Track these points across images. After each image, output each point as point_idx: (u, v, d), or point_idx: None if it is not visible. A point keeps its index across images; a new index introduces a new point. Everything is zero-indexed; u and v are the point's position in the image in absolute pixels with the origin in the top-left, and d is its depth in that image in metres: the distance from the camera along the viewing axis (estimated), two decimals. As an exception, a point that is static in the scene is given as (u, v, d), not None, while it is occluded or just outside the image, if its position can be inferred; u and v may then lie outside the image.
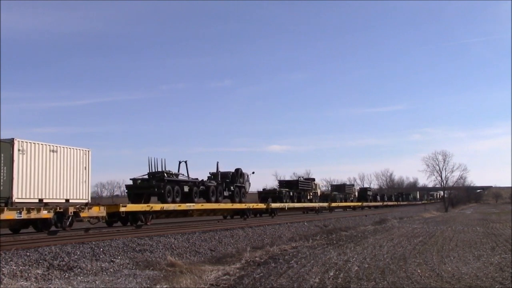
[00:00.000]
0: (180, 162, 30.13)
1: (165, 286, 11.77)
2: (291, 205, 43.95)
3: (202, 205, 29.61)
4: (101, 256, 14.66)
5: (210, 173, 32.69)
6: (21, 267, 12.08)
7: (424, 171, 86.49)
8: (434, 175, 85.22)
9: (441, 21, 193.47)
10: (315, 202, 50.90)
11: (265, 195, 42.13)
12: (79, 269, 12.97)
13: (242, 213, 35.40)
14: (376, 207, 77.97)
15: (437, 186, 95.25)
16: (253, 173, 37.34)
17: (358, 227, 33.69)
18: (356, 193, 70.74)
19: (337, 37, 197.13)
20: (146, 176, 26.88)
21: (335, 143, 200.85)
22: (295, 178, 63.85)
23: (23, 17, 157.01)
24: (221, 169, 34.61)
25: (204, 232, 21.96)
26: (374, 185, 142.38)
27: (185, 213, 29.31)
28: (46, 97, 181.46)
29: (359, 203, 69.12)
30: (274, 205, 39.91)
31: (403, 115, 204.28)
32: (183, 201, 27.86)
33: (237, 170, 34.82)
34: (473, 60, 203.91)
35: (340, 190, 64.33)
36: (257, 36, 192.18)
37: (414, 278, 12.52)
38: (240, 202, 34.38)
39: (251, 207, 36.05)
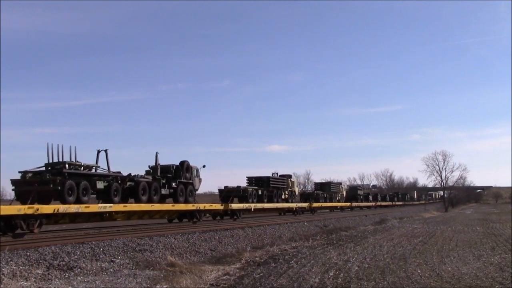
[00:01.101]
0: (99, 152, 23.24)
1: (165, 286, 11.77)
2: (259, 205, 36.79)
3: (125, 206, 22.40)
4: (101, 256, 14.65)
5: (149, 166, 26.60)
6: (21, 267, 12.08)
7: (424, 171, 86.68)
8: (434, 175, 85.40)
9: (440, 21, 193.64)
10: (292, 201, 44.52)
11: (227, 194, 35.41)
12: (79, 269, 12.97)
13: (191, 215, 29.17)
14: (368, 207, 73.79)
15: (437, 186, 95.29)
16: (203, 166, 31.04)
17: (358, 227, 33.70)
18: (344, 192, 64.65)
19: (337, 37, 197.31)
20: (44, 169, 19.98)
21: (335, 143, 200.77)
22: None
23: (23, 17, 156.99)
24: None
25: (204, 232, 21.96)
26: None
27: (101, 216, 22.24)
28: (46, 97, 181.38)
29: (347, 204, 63.66)
30: (235, 205, 33.84)
31: (402, 115, 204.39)
32: (101, 200, 21.85)
33: (183, 163, 28.21)
34: (472, 60, 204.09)
35: (324, 189, 56.87)
36: (257, 36, 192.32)
37: (414, 278, 12.51)
38: (186, 202, 27.87)
39: (201, 208, 29.49)
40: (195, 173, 29.62)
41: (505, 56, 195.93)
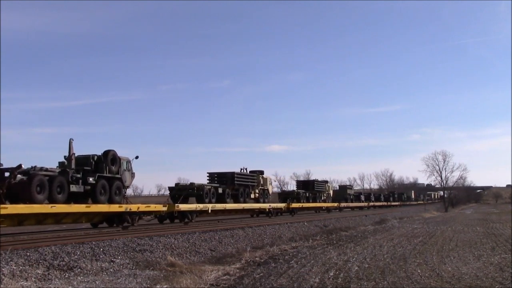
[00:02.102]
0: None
1: (165, 286, 11.77)
2: (219, 206, 31.71)
3: (4, 208, 16.28)
4: (101, 256, 14.65)
5: (64, 157, 21.23)
6: (21, 267, 12.08)
7: (424, 171, 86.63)
8: (434, 175, 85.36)
9: (440, 22, 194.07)
10: (265, 201, 38.89)
11: (177, 193, 30.29)
12: (79, 269, 12.96)
13: (120, 219, 23.51)
14: (360, 208, 69.48)
15: (437, 186, 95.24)
16: (136, 157, 24.72)
17: (358, 227, 33.70)
18: (331, 192, 59.46)
19: (337, 37, 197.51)
20: None
21: (335, 143, 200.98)
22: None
23: (23, 17, 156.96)
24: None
25: (204, 232, 21.95)
26: (374, 185, 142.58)
27: None
28: (46, 97, 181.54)
29: (334, 204, 58.34)
30: (184, 206, 28.36)
31: (402, 115, 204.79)
32: None
33: (107, 152, 22.34)
34: (472, 60, 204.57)
35: (307, 188, 51.36)
36: (257, 36, 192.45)
37: (414, 278, 12.51)
38: (111, 201, 22.01)
39: (133, 209, 23.42)
40: (125, 166, 23.73)
41: (505, 56, 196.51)
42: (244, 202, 35.13)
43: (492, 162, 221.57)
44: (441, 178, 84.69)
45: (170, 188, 32.00)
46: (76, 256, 13.97)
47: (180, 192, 30.29)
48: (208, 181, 33.47)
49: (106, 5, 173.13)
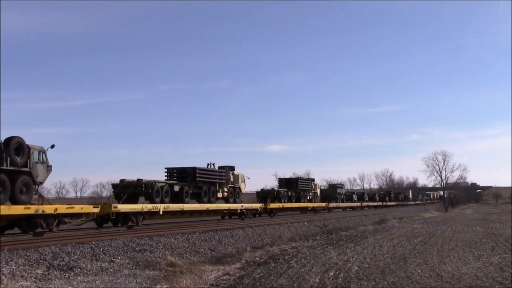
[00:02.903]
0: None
1: (165, 286, 11.77)
2: (174, 206, 26.43)
3: None
4: (101, 256, 14.65)
5: None
6: (21, 267, 12.08)
7: (424, 171, 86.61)
8: (434, 175, 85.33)
9: (440, 22, 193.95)
10: (236, 201, 33.71)
11: (120, 191, 25.18)
12: (79, 269, 12.97)
13: (28, 223, 18.35)
14: (353, 208, 65.54)
15: (437, 186, 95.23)
16: (52, 146, 20.58)
17: (358, 227, 33.72)
18: (318, 191, 53.78)
19: (336, 37, 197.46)
20: None
21: (335, 143, 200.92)
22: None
23: (23, 17, 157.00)
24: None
25: (204, 232, 21.96)
26: (374, 185, 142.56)
27: None
28: (46, 97, 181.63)
29: (322, 204, 53.46)
30: (124, 206, 23.02)
31: (402, 115, 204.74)
32: None
33: (9, 140, 17.89)
34: (472, 60, 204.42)
35: (290, 186, 45.89)
36: (256, 36, 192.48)
37: (414, 278, 12.51)
38: (15, 201, 17.53)
39: (42, 211, 17.98)
40: (36, 157, 19.78)
41: (505, 56, 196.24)
42: (209, 202, 30.12)
43: (492, 162, 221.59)
44: (441, 178, 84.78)
45: (113, 186, 26.89)
46: (76, 256, 13.97)
47: (124, 190, 25.08)
48: (166, 177, 28.85)
49: (106, 5, 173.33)
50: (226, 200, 32.97)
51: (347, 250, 18.90)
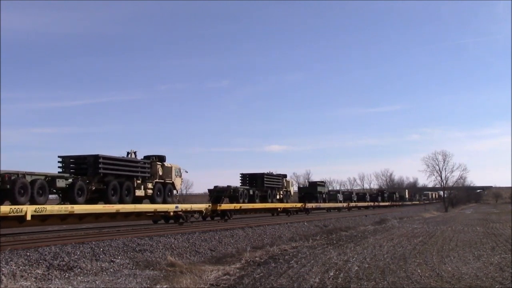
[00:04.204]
0: None
1: (165, 286, 11.77)
2: (79, 208, 19.41)
3: None
4: (101, 256, 14.65)
5: None
6: (21, 267, 12.08)
7: (424, 171, 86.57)
8: (434, 175, 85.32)
9: (439, 22, 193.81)
10: (167, 201, 26.47)
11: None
12: (79, 269, 12.97)
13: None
14: (338, 209, 59.28)
15: (437, 186, 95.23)
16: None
17: (358, 227, 33.73)
18: (292, 189, 46.70)
19: (336, 37, 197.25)
20: None
21: (335, 143, 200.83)
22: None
23: (23, 17, 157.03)
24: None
25: (204, 232, 21.96)
26: (374, 185, 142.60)
27: None
28: (46, 97, 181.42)
29: (298, 205, 47.42)
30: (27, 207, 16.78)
31: (401, 115, 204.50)
32: None
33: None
34: (471, 60, 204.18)
35: (254, 183, 38.41)
36: (256, 36, 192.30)
37: (414, 278, 12.52)
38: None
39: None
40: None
41: (504, 56, 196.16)
42: (121, 202, 22.54)
43: (491, 162, 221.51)
44: (441, 178, 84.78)
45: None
46: (76, 256, 13.98)
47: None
48: (61, 170, 20.82)
49: (105, 5, 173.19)
50: (151, 199, 25.47)
51: (347, 250, 18.90)
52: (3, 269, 11.62)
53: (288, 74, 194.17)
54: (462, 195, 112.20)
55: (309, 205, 48.99)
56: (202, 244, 19.42)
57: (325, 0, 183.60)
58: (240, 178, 39.17)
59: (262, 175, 39.43)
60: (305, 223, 32.78)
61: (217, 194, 34.64)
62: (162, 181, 26.43)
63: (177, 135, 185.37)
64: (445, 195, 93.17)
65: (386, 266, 14.59)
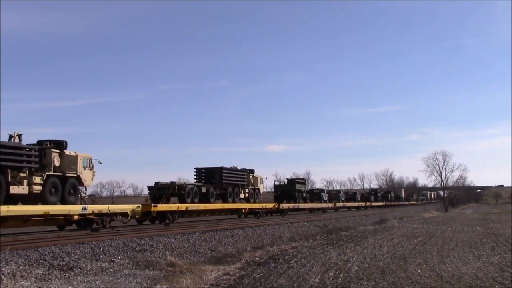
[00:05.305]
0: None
1: (165, 286, 11.77)
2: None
3: None
4: (101, 256, 14.65)
5: None
6: (21, 267, 12.08)
7: (424, 171, 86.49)
8: (434, 175, 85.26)
9: (439, 22, 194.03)
10: (73, 202, 21.23)
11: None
12: (79, 269, 12.97)
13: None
14: (322, 210, 52.63)
15: (437, 186, 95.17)
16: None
17: (358, 227, 33.73)
18: (262, 187, 40.30)
19: (336, 37, 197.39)
20: None
21: (335, 143, 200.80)
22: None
23: (23, 17, 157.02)
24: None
25: (204, 232, 21.95)
26: (374, 185, 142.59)
27: None
28: (46, 97, 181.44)
29: (270, 205, 40.36)
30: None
31: (401, 115, 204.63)
32: None
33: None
34: (471, 60, 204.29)
35: (211, 179, 32.66)
36: (255, 36, 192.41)
37: (414, 278, 12.52)
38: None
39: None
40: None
41: (503, 56, 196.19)
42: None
43: (491, 162, 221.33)
44: (441, 178, 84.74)
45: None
46: (76, 256, 13.97)
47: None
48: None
49: (106, 5, 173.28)
50: (41, 198, 19.94)
51: (347, 250, 18.90)
52: (3, 269, 11.61)
53: (288, 74, 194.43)
54: (462, 195, 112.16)
55: (284, 206, 42.85)
56: (202, 244, 19.42)
57: (325, 0, 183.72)
58: (195, 173, 33.07)
59: (220, 170, 32.88)
60: (305, 223, 32.78)
61: (157, 192, 28.62)
62: (60, 174, 20.75)
63: (177, 135, 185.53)
64: (445, 195, 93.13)
65: (386, 266, 14.59)
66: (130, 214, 23.99)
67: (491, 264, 15.08)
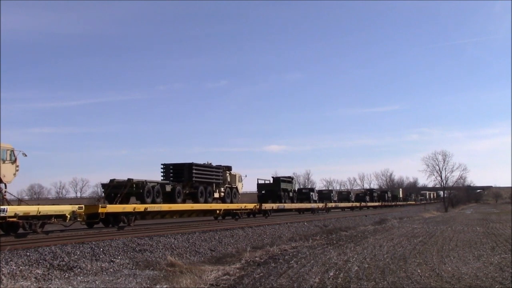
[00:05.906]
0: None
1: (165, 286, 11.77)
2: None
3: None
4: (101, 256, 14.65)
5: None
6: (21, 267, 12.08)
7: (424, 171, 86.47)
8: (434, 175, 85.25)
9: (438, 22, 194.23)
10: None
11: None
12: (79, 269, 12.97)
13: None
14: (312, 211, 49.65)
15: (437, 186, 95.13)
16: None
17: (358, 227, 33.71)
18: (240, 186, 36.10)
19: (335, 36, 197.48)
20: None
21: (335, 143, 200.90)
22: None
23: (23, 17, 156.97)
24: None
25: (204, 232, 21.96)
26: (374, 185, 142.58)
27: None
28: (46, 97, 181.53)
29: (250, 205, 36.41)
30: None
31: (400, 115, 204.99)
32: None
33: None
34: (469, 60, 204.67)
35: (179, 176, 28.78)
36: (255, 36, 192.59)
37: (414, 278, 12.51)
38: None
39: None
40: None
41: (502, 57, 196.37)
42: None
43: (491, 162, 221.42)
44: (441, 178, 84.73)
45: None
46: (76, 256, 13.98)
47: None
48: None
49: (105, 5, 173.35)
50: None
51: (347, 250, 18.89)
52: (3, 269, 11.62)
53: (288, 74, 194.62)
54: (462, 195, 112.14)
55: (266, 206, 39.01)
56: (202, 244, 19.42)
57: (325, 0, 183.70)
58: (162, 170, 29.18)
59: (190, 166, 28.96)
60: (305, 223, 32.78)
61: (112, 191, 24.82)
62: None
63: (177, 135, 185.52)
64: (445, 195, 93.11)
65: (386, 266, 14.59)
66: (69, 216, 19.90)
67: (491, 264, 15.08)
